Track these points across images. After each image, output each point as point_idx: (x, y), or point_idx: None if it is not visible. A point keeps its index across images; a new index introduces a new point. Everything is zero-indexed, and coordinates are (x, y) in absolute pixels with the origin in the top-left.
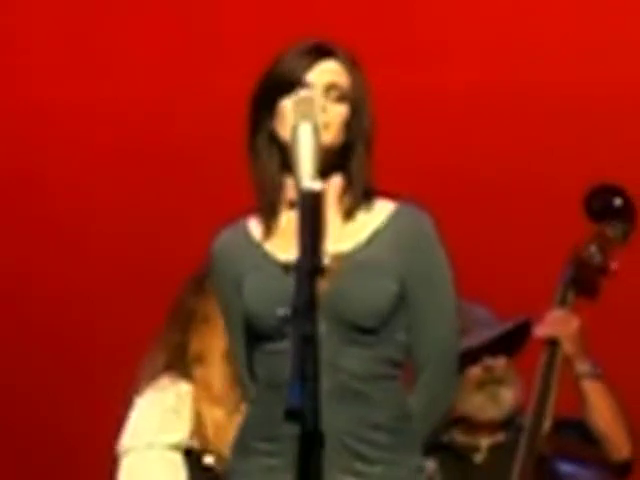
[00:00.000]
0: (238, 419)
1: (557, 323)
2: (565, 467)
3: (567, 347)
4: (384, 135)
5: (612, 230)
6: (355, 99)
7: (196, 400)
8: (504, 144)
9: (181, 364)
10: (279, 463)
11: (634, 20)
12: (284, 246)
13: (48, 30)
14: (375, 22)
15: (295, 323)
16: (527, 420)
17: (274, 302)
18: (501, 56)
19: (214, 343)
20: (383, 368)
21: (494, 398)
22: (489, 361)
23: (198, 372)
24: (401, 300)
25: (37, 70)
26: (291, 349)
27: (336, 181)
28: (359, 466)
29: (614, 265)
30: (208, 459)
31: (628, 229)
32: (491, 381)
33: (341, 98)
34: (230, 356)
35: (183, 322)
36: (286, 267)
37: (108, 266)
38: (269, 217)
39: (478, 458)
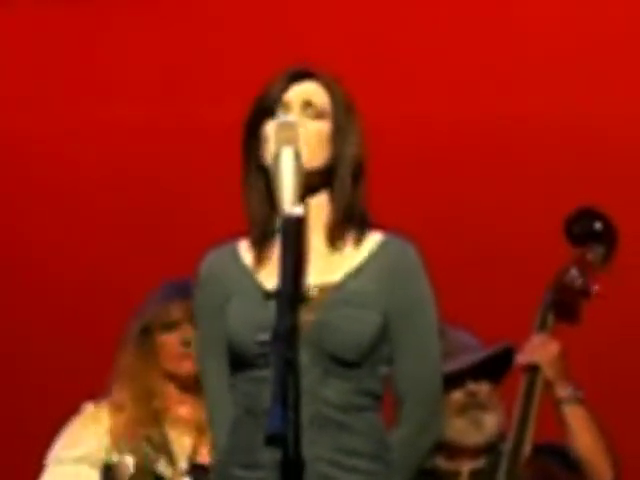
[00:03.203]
0: (148, 422)
1: (536, 348)
2: None
3: (547, 372)
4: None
5: (593, 254)
6: (336, 117)
7: (111, 414)
8: (486, 171)
9: (108, 387)
10: None
11: (611, 50)
12: (273, 274)
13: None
14: (362, 53)
15: (275, 348)
16: (507, 445)
17: (256, 328)
18: (483, 88)
19: (124, 350)
20: (363, 400)
21: (476, 423)
22: (472, 386)
23: (112, 389)
24: (384, 333)
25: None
26: (271, 374)
27: (323, 205)
28: None
29: (595, 288)
30: (117, 474)
31: (609, 253)
32: (474, 406)
33: (319, 116)
34: (141, 357)
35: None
36: (267, 294)
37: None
38: (259, 246)
39: None
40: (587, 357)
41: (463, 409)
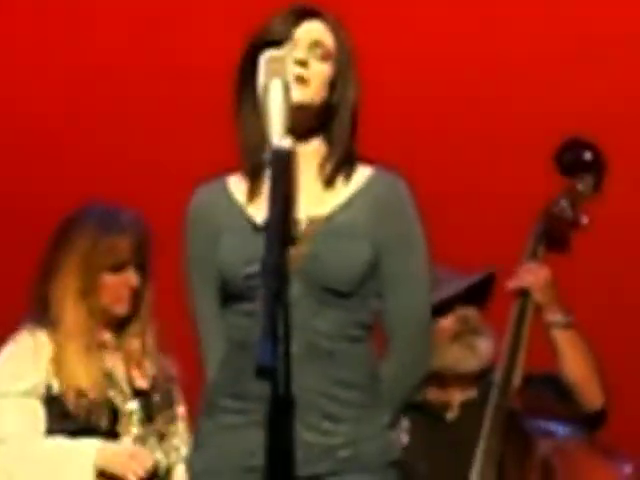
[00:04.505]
0: (96, 354)
1: (527, 274)
2: (535, 422)
3: (538, 297)
4: None
5: (582, 184)
6: (340, 61)
7: (53, 341)
8: (478, 98)
9: (42, 313)
10: (245, 421)
11: None
12: (263, 207)
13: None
14: None
15: (263, 281)
16: (497, 374)
17: (246, 262)
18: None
19: (67, 283)
20: (355, 331)
21: (472, 349)
22: (462, 311)
23: (52, 314)
24: (375, 265)
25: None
26: (260, 307)
27: (318, 145)
28: (326, 425)
29: (585, 219)
30: (69, 405)
31: (598, 183)
32: (467, 332)
33: (325, 57)
34: (86, 294)
35: (44, 274)
36: (256, 227)
37: None
38: (252, 178)
39: (450, 416)
40: (577, 287)
41: (457, 335)
